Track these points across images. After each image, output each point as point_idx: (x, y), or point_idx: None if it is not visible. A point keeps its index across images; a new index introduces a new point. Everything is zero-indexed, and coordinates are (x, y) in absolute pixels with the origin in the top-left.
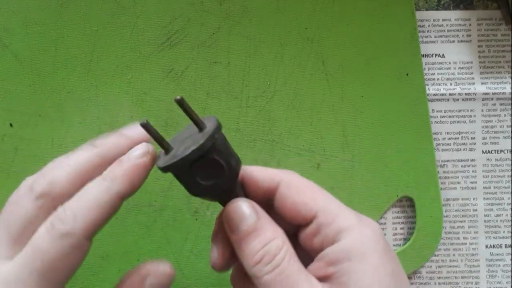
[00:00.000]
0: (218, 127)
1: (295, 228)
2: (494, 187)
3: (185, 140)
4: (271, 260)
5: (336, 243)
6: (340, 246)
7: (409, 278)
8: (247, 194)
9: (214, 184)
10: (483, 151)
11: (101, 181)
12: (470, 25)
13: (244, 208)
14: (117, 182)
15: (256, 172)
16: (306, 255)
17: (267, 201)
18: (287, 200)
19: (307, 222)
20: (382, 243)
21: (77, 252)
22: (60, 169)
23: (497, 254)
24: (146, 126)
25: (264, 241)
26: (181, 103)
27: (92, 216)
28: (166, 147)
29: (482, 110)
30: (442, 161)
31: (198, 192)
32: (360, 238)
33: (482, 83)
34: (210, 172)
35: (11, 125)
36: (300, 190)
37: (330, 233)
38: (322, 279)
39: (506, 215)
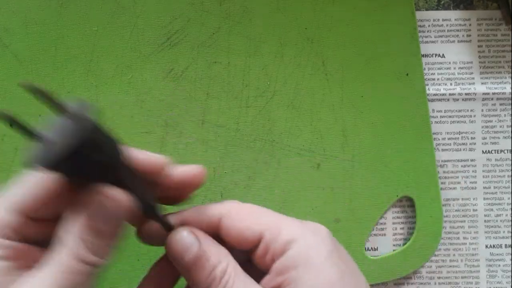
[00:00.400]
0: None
1: (246, 253)
2: (494, 187)
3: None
4: (218, 285)
5: (283, 254)
6: (286, 256)
7: (409, 278)
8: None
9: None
10: (483, 151)
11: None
12: (470, 25)
13: (185, 237)
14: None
15: (194, 214)
16: (262, 274)
17: (214, 235)
18: (231, 230)
19: (255, 245)
20: (328, 247)
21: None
22: None
23: (497, 254)
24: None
25: (210, 268)
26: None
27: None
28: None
29: (482, 110)
30: (442, 161)
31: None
32: (304, 246)
33: (482, 83)
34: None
35: (11, 125)
36: (241, 217)
37: (278, 247)
38: None
39: (506, 215)
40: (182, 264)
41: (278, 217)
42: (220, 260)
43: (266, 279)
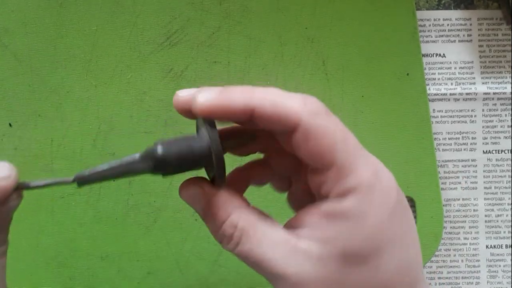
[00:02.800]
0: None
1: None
2: (495, 187)
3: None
4: (230, 240)
5: (341, 200)
6: (341, 204)
7: None
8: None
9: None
10: (483, 151)
11: None
12: (470, 24)
13: (190, 194)
14: None
15: (271, 105)
16: (307, 189)
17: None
18: (302, 148)
19: (319, 168)
20: (390, 205)
21: None
22: None
23: (498, 255)
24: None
25: (219, 223)
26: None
27: None
28: None
29: (483, 110)
30: (442, 161)
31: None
32: (366, 200)
33: (483, 83)
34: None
35: (10, 125)
36: (318, 140)
37: (338, 190)
38: (311, 226)
39: (507, 215)
40: (198, 212)
41: (355, 154)
42: (228, 214)
43: (309, 215)
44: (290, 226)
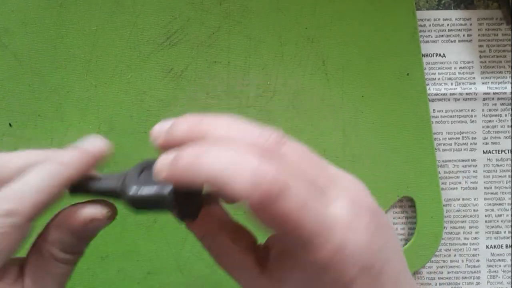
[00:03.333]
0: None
1: None
2: (495, 187)
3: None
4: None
5: None
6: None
7: None
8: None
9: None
10: (483, 151)
11: (49, 165)
12: (471, 24)
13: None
14: (66, 166)
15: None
16: None
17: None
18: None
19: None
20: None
21: (18, 233)
22: (12, 155)
23: (498, 255)
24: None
25: None
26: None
27: (38, 198)
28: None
29: (483, 110)
30: (442, 161)
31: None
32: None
33: (483, 83)
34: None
35: (10, 125)
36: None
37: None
38: None
39: (507, 215)
40: None
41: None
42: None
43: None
44: None
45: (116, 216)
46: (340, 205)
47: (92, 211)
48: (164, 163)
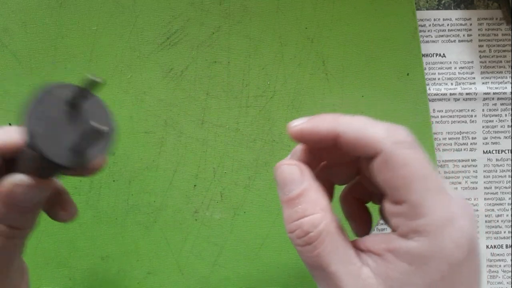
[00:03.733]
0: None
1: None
2: (495, 187)
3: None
4: (303, 235)
5: (407, 240)
6: (408, 246)
7: None
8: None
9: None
10: (484, 151)
11: None
12: (471, 24)
13: (294, 172)
14: None
15: (356, 132)
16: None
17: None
18: (378, 177)
19: (393, 200)
20: (458, 260)
21: None
22: None
23: (498, 255)
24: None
25: (300, 215)
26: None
27: None
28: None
29: (483, 110)
30: (443, 161)
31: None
32: (430, 250)
33: (483, 83)
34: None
35: (10, 125)
36: (396, 173)
37: (407, 228)
38: (375, 254)
39: (507, 215)
40: (282, 193)
41: (431, 194)
42: (314, 212)
43: (379, 241)
44: (357, 246)
45: (51, 186)
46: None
47: (14, 177)
48: (300, 121)
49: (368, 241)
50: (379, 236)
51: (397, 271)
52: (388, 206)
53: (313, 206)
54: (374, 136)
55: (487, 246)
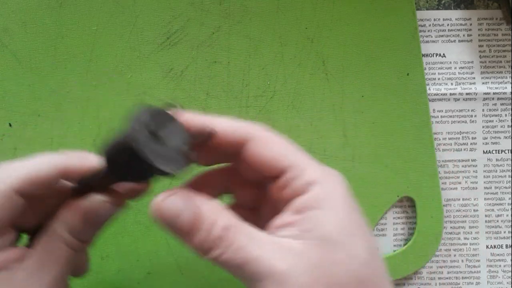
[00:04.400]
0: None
1: (262, 178)
2: (495, 187)
3: (168, 140)
4: (219, 244)
5: (304, 193)
6: (307, 196)
7: (410, 278)
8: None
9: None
10: (484, 151)
11: (47, 154)
12: (471, 24)
13: (173, 205)
14: (65, 155)
15: (224, 126)
16: (273, 206)
17: (232, 151)
18: (256, 155)
19: (276, 176)
20: (345, 192)
21: (4, 201)
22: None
23: (498, 255)
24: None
25: (208, 229)
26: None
27: (26, 173)
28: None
29: (483, 110)
30: (442, 161)
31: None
32: (326, 189)
33: (483, 83)
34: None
35: (10, 125)
36: (269, 146)
37: (299, 186)
38: (286, 226)
39: (507, 215)
40: (176, 231)
41: (303, 156)
42: (216, 218)
43: (282, 216)
44: (268, 231)
45: (124, 204)
46: None
47: (97, 197)
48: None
49: (274, 221)
50: (282, 214)
51: (311, 222)
52: (275, 186)
53: (213, 213)
54: (243, 127)
55: (487, 246)
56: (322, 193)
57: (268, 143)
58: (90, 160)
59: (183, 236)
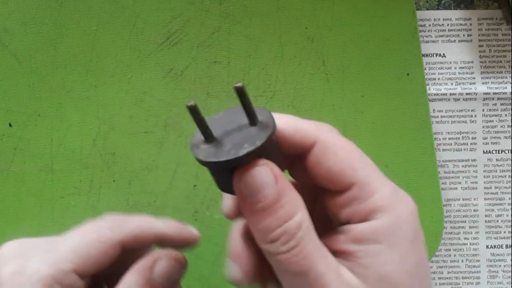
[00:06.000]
0: (274, 125)
1: (318, 187)
2: (495, 187)
3: (233, 132)
4: (289, 240)
5: (368, 221)
6: (371, 226)
7: None
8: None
9: None
10: (483, 151)
11: (156, 220)
12: (471, 24)
13: (264, 175)
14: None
15: (290, 126)
16: (323, 215)
17: (295, 155)
18: (322, 165)
19: (340, 190)
20: (415, 228)
21: (107, 246)
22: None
23: (498, 255)
24: (193, 109)
25: (284, 218)
26: (241, 91)
27: (132, 230)
28: (209, 135)
29: (483, 110)
30: (442, 161)
31: (228, 191)
32: (393, 220)
33: (483, 83)
34: None
35: (10, 125)
36: (338, 156)
37: (363, 210)
38: (340, 254)
39: (507, 215)
40: (252, 204)
41: (376, 175)
42: (296, 211)
43: (337, 239)
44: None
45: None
46: None
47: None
48: None
49: (328, 243)
50: (337, 235)
51: (371, 257)
52: (334, 200)
53: (295, 206)
54: (307, 129)
55: (487, 246)
56: (387, 225)
57: (337, 152)
58: (188, 231)
59: (254, 211)
